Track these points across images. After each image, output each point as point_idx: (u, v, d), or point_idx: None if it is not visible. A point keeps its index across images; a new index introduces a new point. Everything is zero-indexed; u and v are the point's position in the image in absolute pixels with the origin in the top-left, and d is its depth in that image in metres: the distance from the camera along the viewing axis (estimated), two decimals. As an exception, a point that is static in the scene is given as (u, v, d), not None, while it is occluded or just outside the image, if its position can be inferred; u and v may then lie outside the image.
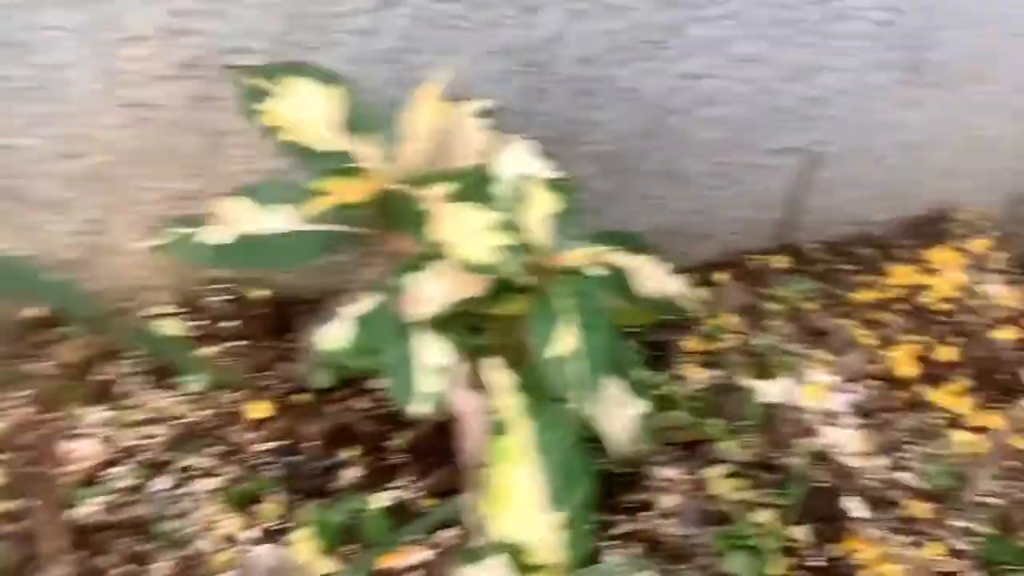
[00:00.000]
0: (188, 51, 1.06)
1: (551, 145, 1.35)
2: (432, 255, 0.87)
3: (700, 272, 1.69)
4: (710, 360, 1.46)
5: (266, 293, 1.28)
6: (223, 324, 1.24)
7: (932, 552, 1.17)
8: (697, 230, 1.63)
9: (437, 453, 1.14)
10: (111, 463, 1.04)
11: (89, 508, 0.98)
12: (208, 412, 1.13)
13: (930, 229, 1.89)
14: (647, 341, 1.48)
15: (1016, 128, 1.90)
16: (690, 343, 1.49)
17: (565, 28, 1.24)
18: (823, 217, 1.80)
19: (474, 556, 0.81)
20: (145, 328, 0.97)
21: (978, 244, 1.86)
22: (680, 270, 1.69)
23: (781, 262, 1.73)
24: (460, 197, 0.87)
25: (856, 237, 1.87)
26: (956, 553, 1.18)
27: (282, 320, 1.26)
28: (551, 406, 0.82)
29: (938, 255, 1.80)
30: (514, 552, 0.78)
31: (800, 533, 1.14)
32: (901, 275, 1.73)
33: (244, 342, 1.22)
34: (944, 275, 1.74)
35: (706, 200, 1.59)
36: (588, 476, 0.81)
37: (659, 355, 1.46)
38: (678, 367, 1.43)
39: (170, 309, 1.24)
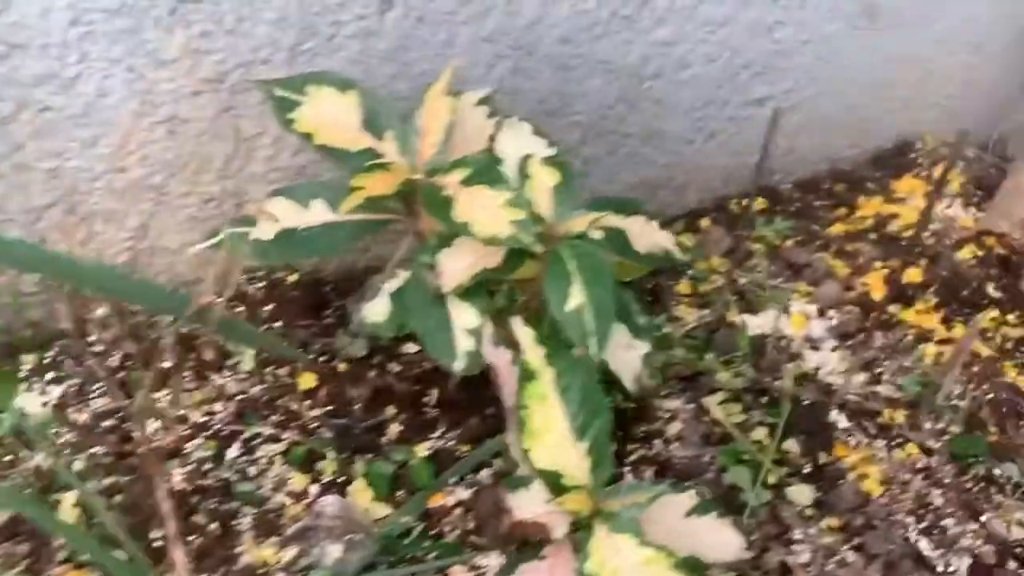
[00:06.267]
0: (212, 68, 1.18)
1: (541, 118, 1.48)
2: (456, 233, 1.01)
3: (686, 220, 1.83)
4: (701, 301, 1.61)
5: (295, 277, 1.42)
6: (262, 309, 1.37)
7: (908, 452, 1.34)
8: (680, 181, 1.77)
9: (467, 406, 1.28)
10: (188, 438, 1.18)
11: (177, 477, 1.12)
12: (262, 387, 1.27)
13: (895, 161, 2.04)
14: (645, 287, 1.63)
15: (967, 60, 2.04)
16: (682, 287, 1.64)
17: (544, 12, 1.36)
18: (797, 158, 1.94)
19: (519, 483, 0.96)
20: (225, 317, 1.11)
21: (939, 172, 2.00)
22: (667, 220, 1.84)
23: (760, 204, 1.87)
24: (475, 181, 1.01)
25: (828, 174, 2.02)
26: (928, 452, 1.34)
27: (313, 300, 1.40)
28: (568, 354, 0.96)
29: (903, 184, 1.95)
30: (550, 477, 0.93)
31: (792, 446, 1.30)
32: (870, 206, 1.88)
33: (280, 323, 1.36)
34: (909, 203, 1.88)
35: (686, 154, 1.73)
36: (605, 410, 0.96)
37: (655, 299, 1.61)
38: (673, 309, 1.58)
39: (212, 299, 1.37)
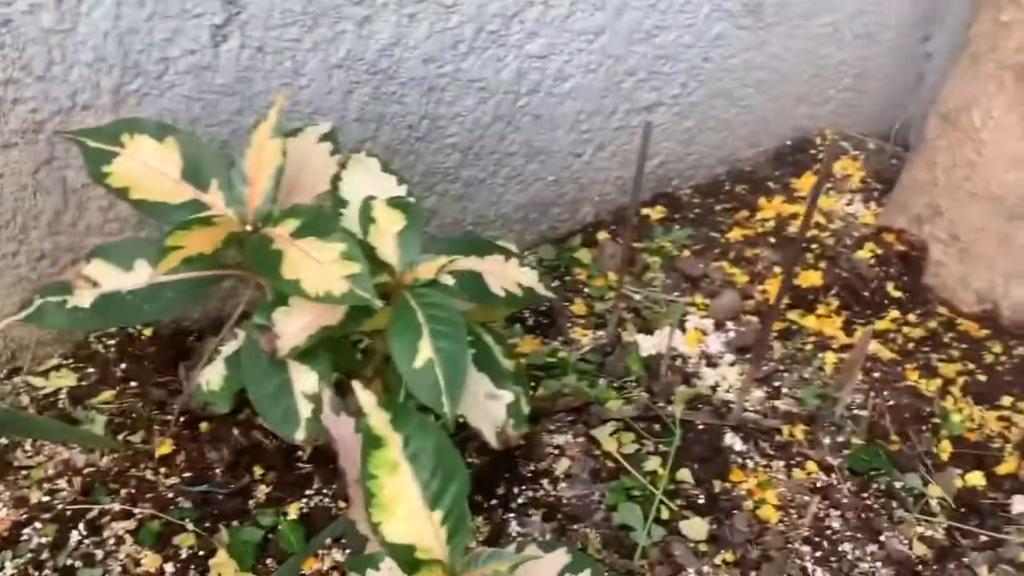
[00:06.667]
0: (25, 117, 1.07)
1: (413, 144, 1.40)
2: (289, 291, 0.92)
3: (583, 235, 1.77)
4: (597, 321, 1.54)
5: (150, 331, 1.32)
6: (114, 368, 1.27)
7: (807, 471, 1.29)
8: (572, 196, 1.70)
9: (342, 458, 1.20)
10: (25, 523, 1.07)
11: (9, 571, 1.02)
12: (113, 457, 1.17)
13: (795, 158, 2.00)
14: (540, 310, 1.56)
15: (859, 52, 2.00)
16: (578, 307, 1.57)
17: (401, 33, 1.28)
18: (695, 163, 1.89)
19: (368, 563, 0.88)
20: (12, 417, 1.02)
21: (839, 167, 1.97)
22: (562, 237, 1.77)
23: (658, 212, 1.82)
24: (305, 232, 0.92)
25: (728, 176, 1.97)
26: (828, 469, 1.30)
27: (174, 353, 1.30)
28: (416, 416, 0.88)
29: (803, 182, 1.91)
30: (403, 553, 0.85)
31: (686, 475, 1.24)
32: (771, 207, 1.83)
33: (135, 383, 1.25)
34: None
35: (575, 168, 1.66)
36: (461, 472, 0.88)
37: (551, 322, 1.54)
38: (568, 332, 1.51)
39: (59, 362, 1.27)
